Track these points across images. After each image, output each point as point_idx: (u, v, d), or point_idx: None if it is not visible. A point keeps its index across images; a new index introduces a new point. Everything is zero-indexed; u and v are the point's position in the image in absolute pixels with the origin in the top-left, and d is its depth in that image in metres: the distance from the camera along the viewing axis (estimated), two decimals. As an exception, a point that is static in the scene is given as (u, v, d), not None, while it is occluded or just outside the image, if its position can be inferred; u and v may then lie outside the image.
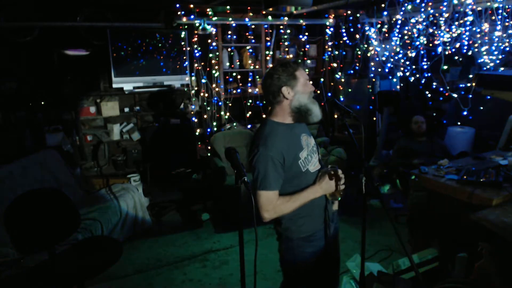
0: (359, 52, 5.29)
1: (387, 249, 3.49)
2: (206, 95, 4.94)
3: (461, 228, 2.64)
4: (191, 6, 4.45)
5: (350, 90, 5.52)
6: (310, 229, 1.91)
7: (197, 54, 4.71)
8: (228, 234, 3.96)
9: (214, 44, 4.79)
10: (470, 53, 4.14)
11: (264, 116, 4.71)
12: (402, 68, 4.67)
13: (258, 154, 1.75)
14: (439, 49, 3.86)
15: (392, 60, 4.59)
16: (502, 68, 4.09)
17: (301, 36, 5.37)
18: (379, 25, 4.61)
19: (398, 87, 5.69)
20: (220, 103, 5.00)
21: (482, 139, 4.83)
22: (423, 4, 3.92)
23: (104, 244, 2.73)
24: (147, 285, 3.14)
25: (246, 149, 4.15)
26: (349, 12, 5.18)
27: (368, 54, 5.32)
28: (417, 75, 4.66)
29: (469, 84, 4.27)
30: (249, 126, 5.12)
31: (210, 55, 4.78)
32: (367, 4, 4.73)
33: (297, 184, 1.84)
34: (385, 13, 4.36)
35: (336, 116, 5.67)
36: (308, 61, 5.65)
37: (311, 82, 1.94)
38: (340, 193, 1.87)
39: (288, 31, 5.28)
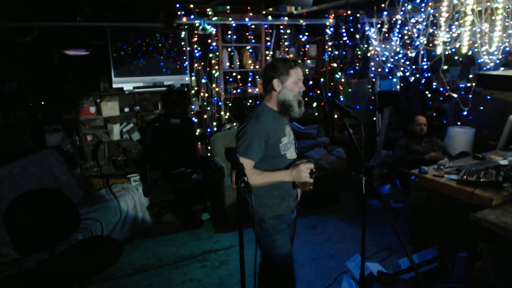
0: (359, 52, 5.29)
1: (387, 249, 3.49)
2: (206, 95, 4.93)
3: (461, 228, 2.65)
4: (191, 6, 4.45)
5: (350, 90, 5.52)
6: (280, 210, 2.11)
7: (197, 54, 4.71)
8: (228, 234, 3.96)
9: (214, 44, 4.79)
10: (470, 53, 4.13)
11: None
12: (402, 68, 4.67)
13: (249, 125, 1.99)
14: (439, 49, 3.86)
15: (392, 60, 4.59)
16: (502, 68, 4.09)
17: (301, 36, 5.37)
18: (379, 25, 4.61)
19: (398, 87, 5.69)
20: (220, 103, 5.00)
21: (482, 139, 4.83)
22: (423, 4, 3.91)
23: (104, 244, 2.74)
24: (147, 285, 3.14)
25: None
26: (349, 12, 5.18)
27: (368, 54, 5.32)
28: (417, 75, 4.66)
29: (469, 84, 4.27)
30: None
31: (210, 55, 4.78)
32: (367, 4, 4.73)
33: (274, 164, 2.04)
34: (385, 13, 4.36)
35: (336, 116, 5.67)
36: (308, 61, 5.65)
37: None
38: (310, 185, 2.01)
39: (288, 31, 5.28)
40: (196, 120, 5.03)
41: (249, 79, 5.24)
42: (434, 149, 4.07)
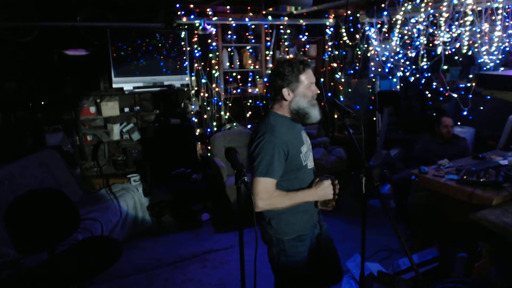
0: (359, 52, 5.29)
1: (387, 249, 3.49)
2: (206, 95, 4.93)
3: (461, 228, 2.65)
4: (191, 6, 4.45)
5: (350, 90, 5.52)
6: (300, 228, 1.92)
7: (197, 54, 4.71)
8: (228, 234, 3.96)
9: (214, 44, 4.79)
10: (470, 53, 4.13)
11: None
12: (402, 68, 4.67)
13: (264, 141, 1.74)
14: (439, 49, 3.86)
15: (392, 60, 4.59)
16: (502, 68, 4.09)
17: (301, 36, 5.37)
18: (379, 25, 4.61)
19: (398, 87, 5.69)
20: (220, 103, 5.00)
21: (482, 139, 4.83)
22: (423, 4, 3.91)
23: (104, 244, 2.74)
24: (147, 285, 3.14)
25: (246, 149, 4.15)
26: (349, 12, 5.18)
27: (368, 54, 5.32)
28: (417, 75, 4.66)
29: (469, 84, 4.27)
30: (249, 126, 5.12)
31: (210, 55, 4.78)
32: (367, 4, 4.73)
33: (296, 177, 1.86)
34: (385, 13, 4.36)
35: (336, 116, 5.67)
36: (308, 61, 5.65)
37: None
38: (333, 203, 1.88)
39: (288, 31, 5.28)
40: (196, 120, 5.03)
41: (249, 79, 5.24)
42: (454, 152, 3.81)
